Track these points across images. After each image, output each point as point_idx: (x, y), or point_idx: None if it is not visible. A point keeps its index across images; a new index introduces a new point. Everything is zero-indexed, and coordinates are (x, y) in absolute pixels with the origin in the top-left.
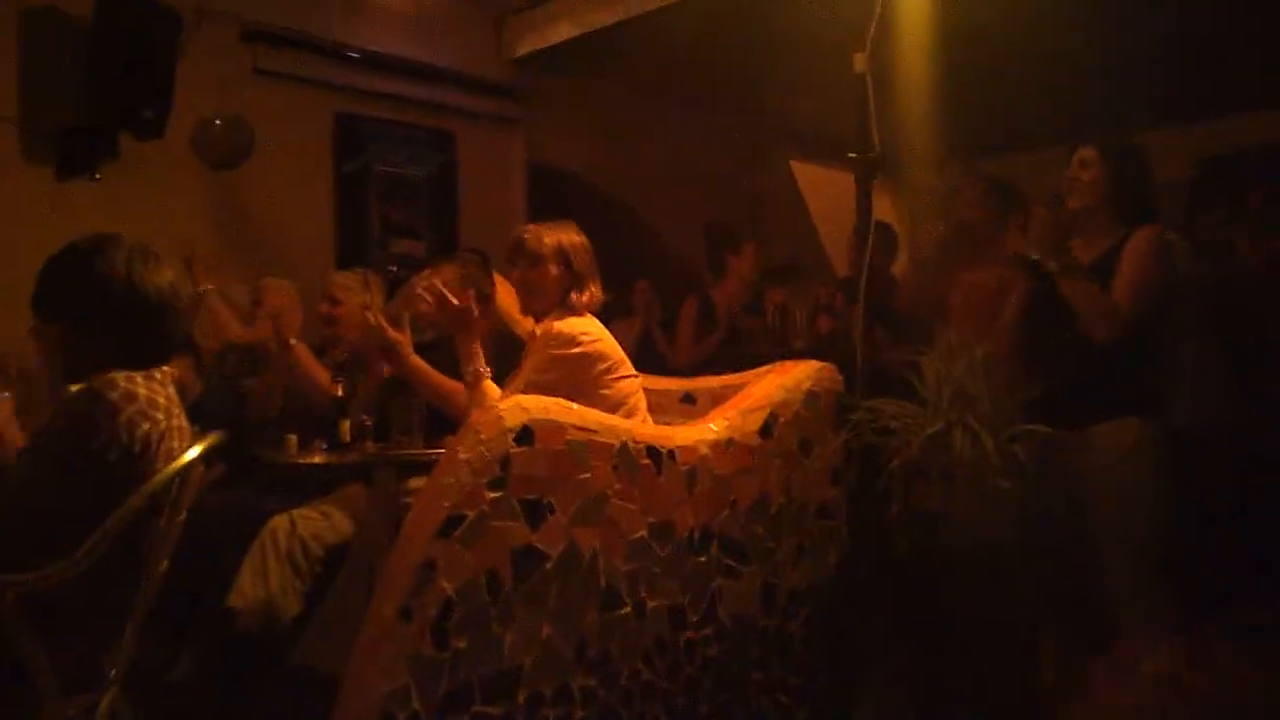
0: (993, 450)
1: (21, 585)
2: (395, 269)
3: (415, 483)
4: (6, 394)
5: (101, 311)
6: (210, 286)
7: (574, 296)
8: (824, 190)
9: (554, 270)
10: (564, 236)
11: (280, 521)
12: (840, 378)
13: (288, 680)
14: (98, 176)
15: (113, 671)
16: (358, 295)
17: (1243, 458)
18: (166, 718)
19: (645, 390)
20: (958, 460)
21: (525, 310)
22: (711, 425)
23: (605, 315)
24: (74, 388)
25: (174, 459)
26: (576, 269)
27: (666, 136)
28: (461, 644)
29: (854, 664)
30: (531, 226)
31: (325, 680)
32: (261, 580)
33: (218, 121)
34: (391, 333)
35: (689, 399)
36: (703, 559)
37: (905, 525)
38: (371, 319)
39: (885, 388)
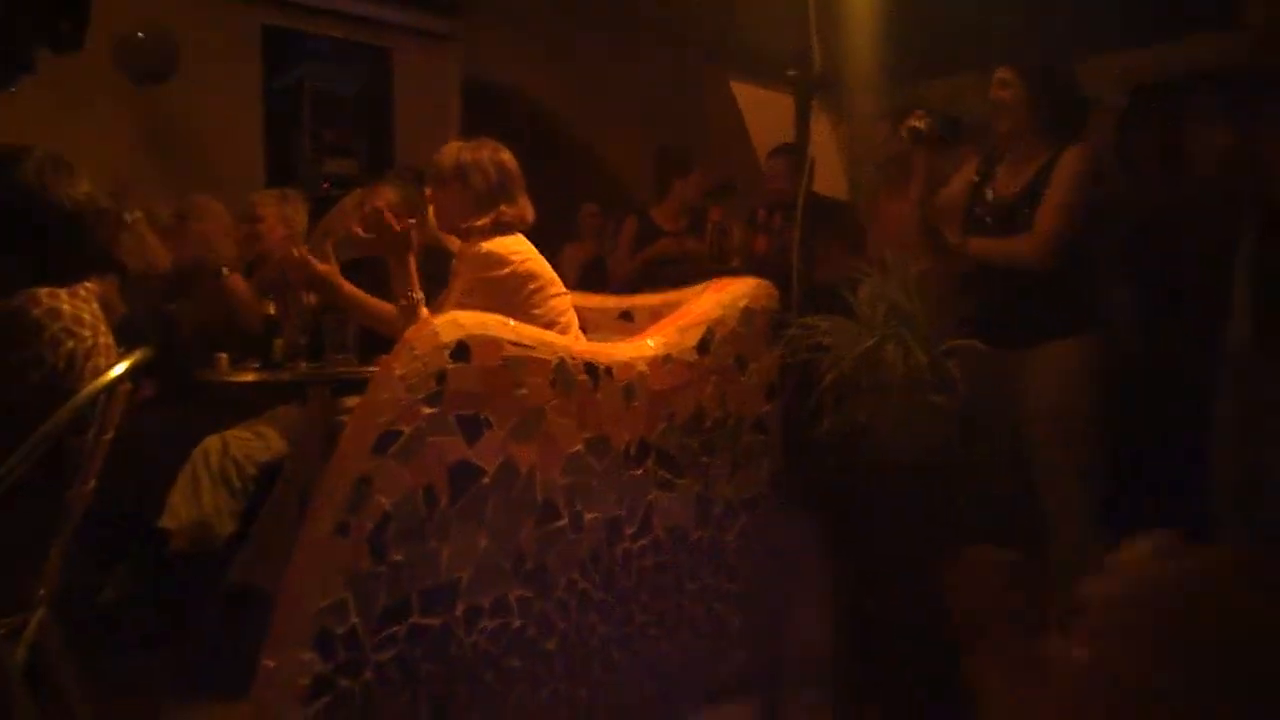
0: (925, 365)
1: None
2: (328, 186)
3: (350, 401)
4: None
5: (16, 224)
6: (139, 214)
7: (504, 210)
8: (764, 111)
9: (455, 189)
10: (470, 154)
11: (213, 442)
12: (776, 294)
13: (223, 600)
14: (13, 90)
15: (41, 592)
16: (278, 213)
17: (1154, 383)
18: (98, 640)
19: (583, 308)
20: (890, 375)
21: (441, 229)
22: (649, 341)
23: (552, 239)
24: None
25: (100, 376)
26: (476, 187)
27: (608, 55)
28: (399, 558)
29: (787, 574)
30: (449, 145)
31: (261, 598)
32: (194, 501)
33: (140, 34)
34: (318, 266)
35: (627, 316)
36: (639, 472)
37: (837, 439)
38: (296, 254)
39: (821, 307)
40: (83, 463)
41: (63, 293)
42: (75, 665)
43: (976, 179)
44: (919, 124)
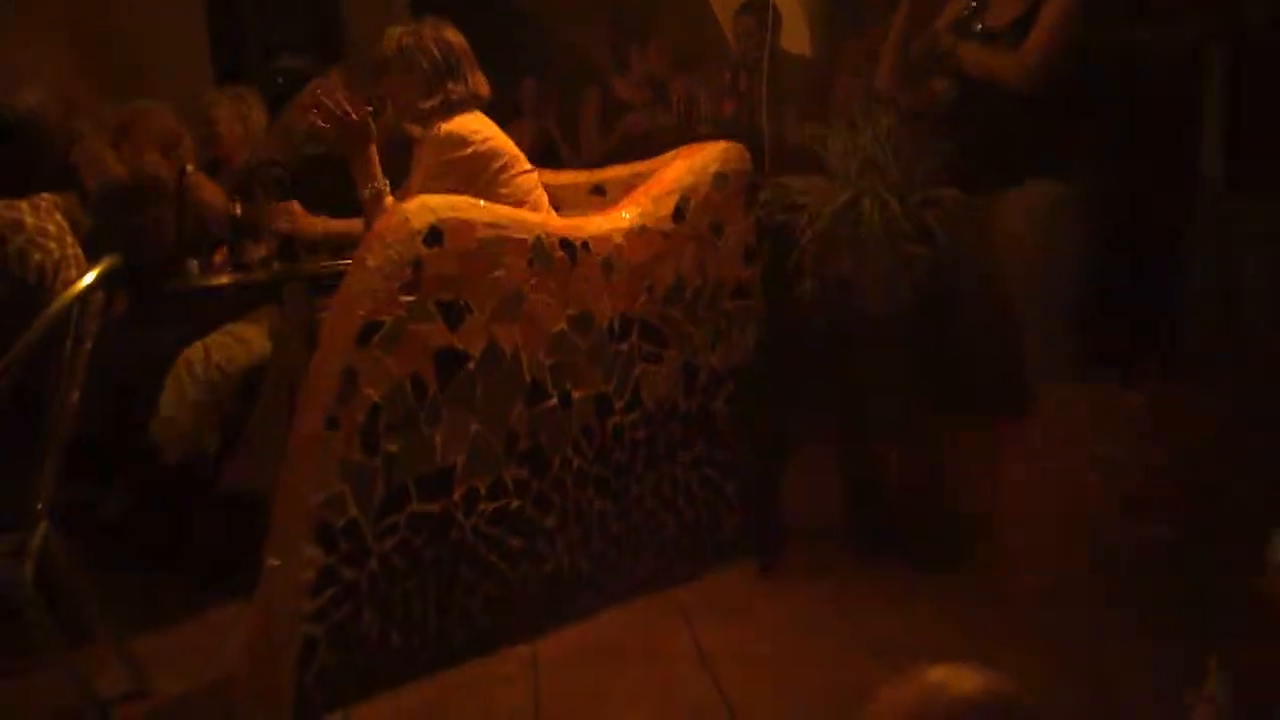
0: (901, 216)
1: None
2: (282, 83)
3: (326, 302)
4: None
5: None
6: (88, 126)
7: (452, 88)
8: None
9: (402, 75)
10: (410, 37)
11: (194, 351)
12: (748, 157)
13: (218, 506)
14: None
15: (39, 506)
16: (233, 112)
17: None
18: (99, 554)
19: (553, 185)
20: (868, 228)
21: (400, 118)
22: (623, 213)
23: (495, 118)
24: None
25: (72, 287)
26: (422, 69)
27: None
28: (392, 448)
29: (778, 437)
30: (390, 30)
31: (257, 501)
32: (182, 410)
33: None
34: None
35: (599, 190)
36: (624, 346)
37: (819, 298)
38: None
39: (793, 166)
40: (64, 374)
41: (23, 204)
42: (87, 579)
43: (966, 13)
44: None
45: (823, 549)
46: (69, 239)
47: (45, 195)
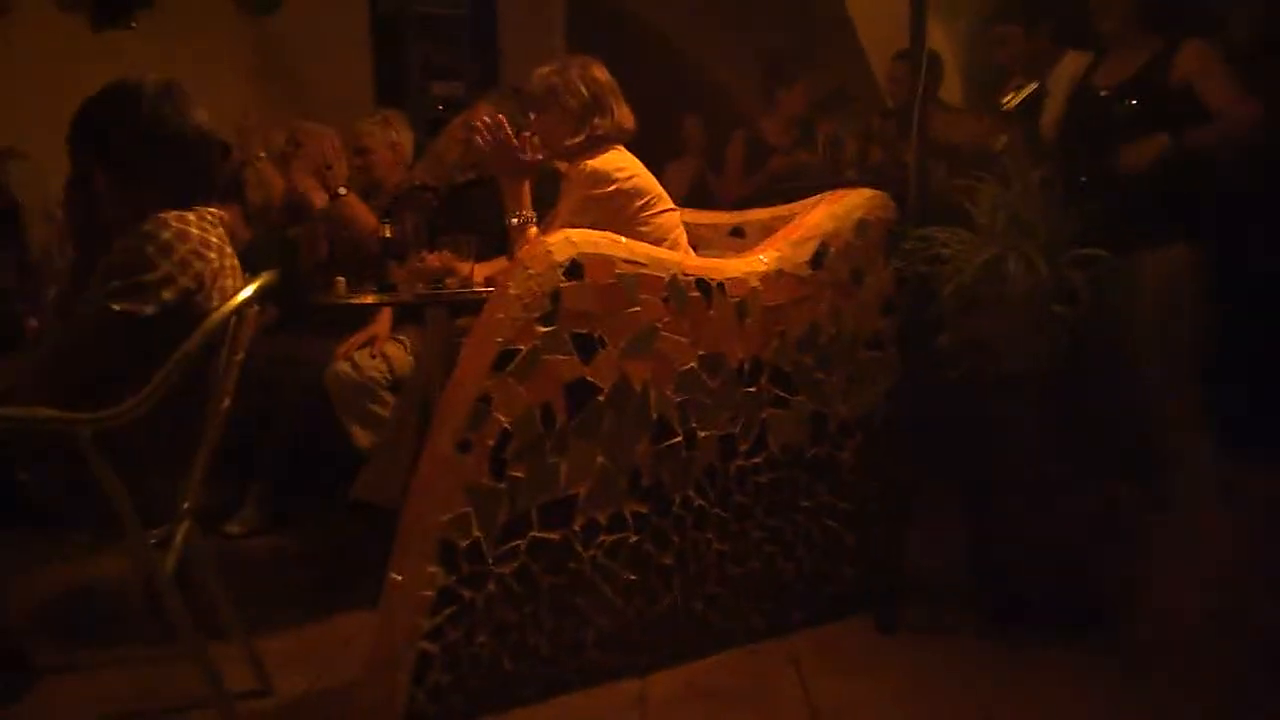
0: (1048, 276)
1: (98, 423)
2: (441, 109)
3: (465, 321)
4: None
5: (145, 149)
6: (262, 154)
7: (597, 123)
8: (876, 13)
9: (551, 112)
10: (558, 75)
11: (342, 366)
12: (893, 205)
13: (348, 515)
14: (133, 25)
15: (185, 506)
16: (383, 139)
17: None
18: (234, 555)
19: (694, 224)
20: (1011, 286)
21: (548, 154)
22: (761, 256)
23: (656, 155)
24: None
25: (229, 297)
26: (569, 107)
27: None
28: (519, 474)
29: (905, 491)
30: (539, 69)
31: (385, 513)
32: (370, 428)
33: None
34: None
35: (738, 232)
36: (752, 389)
37: (957, 353)
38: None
39: (939, 218)
40: (218, 381)
41: (190, 215)
42: (222, 577)
43: (1081, 77)
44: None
45: (946, 609)
46: (228, 250)
47: (211, 208)
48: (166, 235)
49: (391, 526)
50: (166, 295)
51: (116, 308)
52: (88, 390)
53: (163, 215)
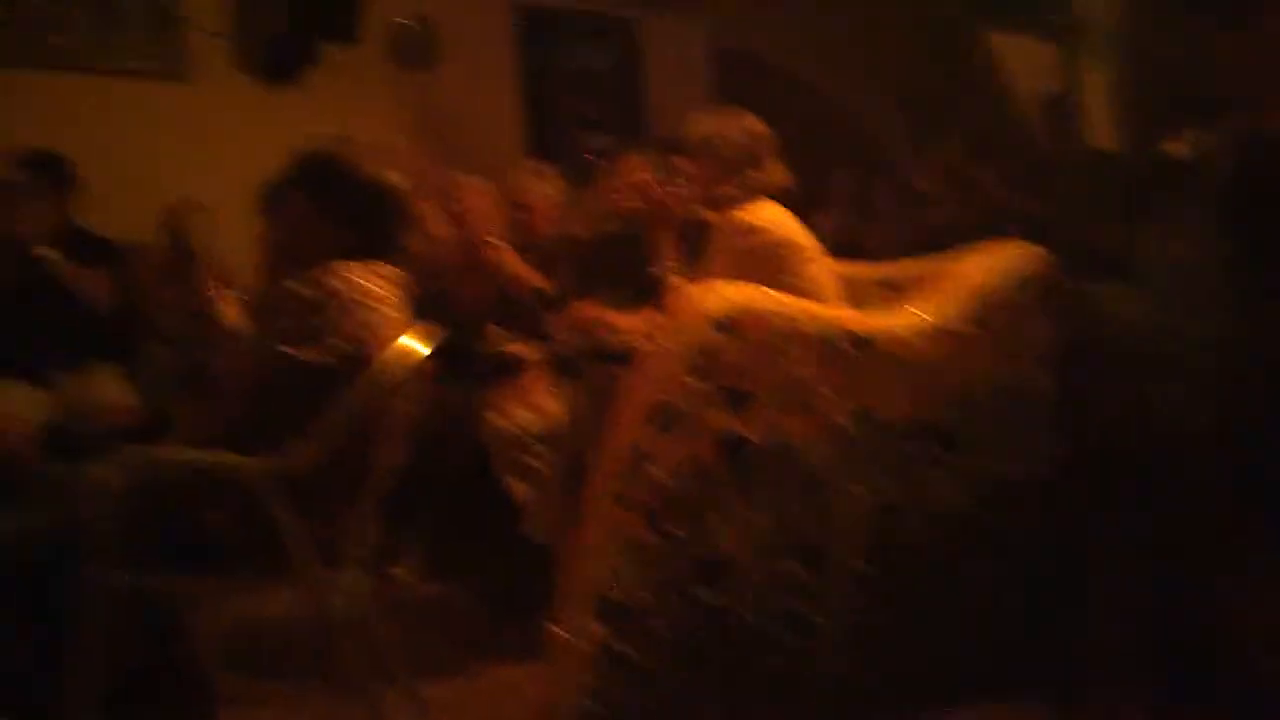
0: (1224, 333)
1: (278, 468)
2: (590, 159)
3: (616, 371)
4: (232, 292)
5: (336, 204)
6: (426, 207)
7: (751, 175)
8: (1026, 59)
9: (703, 160)
10: (714, 124)
11: (494, 417)
12: (1050, 259)
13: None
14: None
15: (353, 550)
16: (539, 192)
17: None
18: (399, 600)
19: (846, 277)
20: (1179, 344)
21: (696, 202)
22: (915, 310)
23: (804, 206)
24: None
25: (398, 349)
26: (724, 157)
27: (855, 8)
28: (676, 530)
29: (1075, 560)
30: (692, 117)
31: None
32: (525, 479)
33: (412, 23)
34: None
35: (891, 284)
36: (908, 448)
37: (1125, 417)
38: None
39: (1099, 272)
40: (388, 431)
41: (358, 265)
42: (387, 621)
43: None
44: None
45: (1123, 691)
46: (393, 301)
47: (384, 264)
48: (333, 282)
49: (555, 575)
50: (329, 341)
51: (284, 350)
52: (263, 432)
53: (334, 264)
